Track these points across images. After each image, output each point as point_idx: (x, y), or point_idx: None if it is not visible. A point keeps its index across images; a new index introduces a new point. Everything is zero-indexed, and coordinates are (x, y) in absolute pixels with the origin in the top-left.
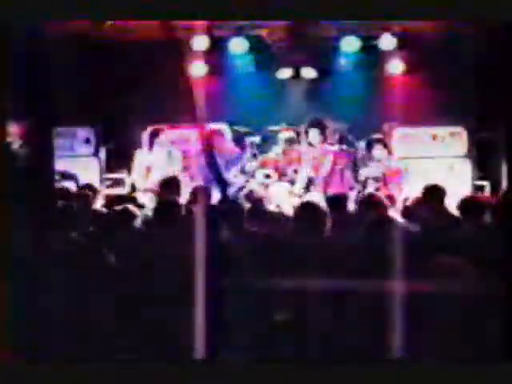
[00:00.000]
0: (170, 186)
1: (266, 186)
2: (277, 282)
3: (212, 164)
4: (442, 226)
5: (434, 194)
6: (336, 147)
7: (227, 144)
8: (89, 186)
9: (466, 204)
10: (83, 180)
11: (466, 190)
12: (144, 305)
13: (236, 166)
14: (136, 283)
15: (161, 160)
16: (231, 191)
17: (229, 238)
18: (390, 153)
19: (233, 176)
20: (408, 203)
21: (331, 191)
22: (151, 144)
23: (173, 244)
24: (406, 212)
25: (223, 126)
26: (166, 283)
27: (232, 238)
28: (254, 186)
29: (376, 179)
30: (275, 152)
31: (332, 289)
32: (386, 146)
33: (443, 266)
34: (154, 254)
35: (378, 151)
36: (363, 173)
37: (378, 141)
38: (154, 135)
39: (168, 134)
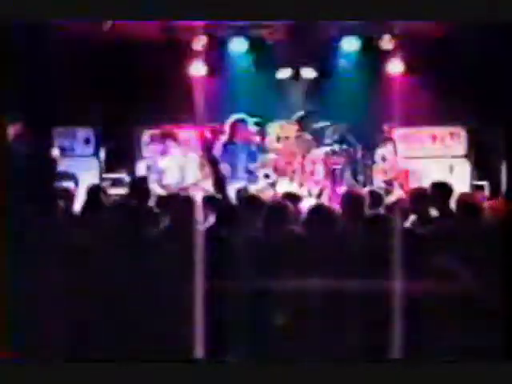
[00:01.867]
0: (137, 188)
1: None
2: (281, 282)
3: (213, 163)
4: (443, 224)
5: (441, 191)
6: (329, 148)
7: (249, 133)
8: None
9: (463, 202)
10: (83, 180)
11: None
12: (144, 304)
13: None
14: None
15: (176, 163)
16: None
17: (233, 237)
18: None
19: (254, 168)
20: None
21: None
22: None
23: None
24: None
25: (244, 116)
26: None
27: (237, 238)
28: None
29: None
30: (274, 152)
31: (331, 289)
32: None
33: (442, 266)
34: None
35: (385, 150)
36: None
37: (387, 139)
38: (164, 138)
39: (179, 136)
